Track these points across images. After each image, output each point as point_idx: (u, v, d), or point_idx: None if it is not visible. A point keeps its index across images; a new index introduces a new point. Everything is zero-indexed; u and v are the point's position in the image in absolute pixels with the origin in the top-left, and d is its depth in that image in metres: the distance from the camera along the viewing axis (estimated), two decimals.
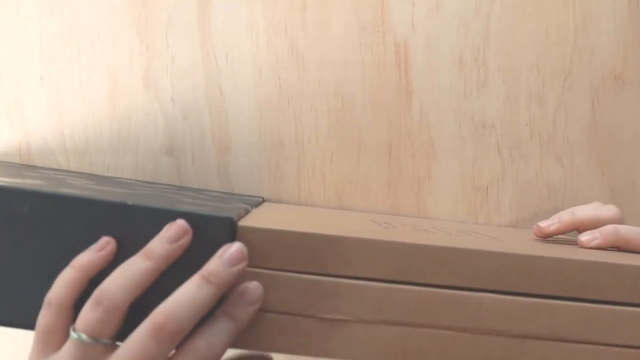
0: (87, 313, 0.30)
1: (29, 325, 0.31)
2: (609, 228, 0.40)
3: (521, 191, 0.50)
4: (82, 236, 0.31)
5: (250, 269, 0.32)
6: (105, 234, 0.31)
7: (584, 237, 0.40)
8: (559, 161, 0.50)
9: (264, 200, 0.49)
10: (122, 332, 0.30)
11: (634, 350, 0.32)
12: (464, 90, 0.49)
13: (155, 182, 0.50)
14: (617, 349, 0.32)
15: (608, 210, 0.42)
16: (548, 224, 0.42)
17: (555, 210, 0.49)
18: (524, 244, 0.39)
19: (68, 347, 0.30)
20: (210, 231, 0.31)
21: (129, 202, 0.31)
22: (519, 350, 0.32)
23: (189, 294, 0.30)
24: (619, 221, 0.41)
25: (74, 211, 0.31)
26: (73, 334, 0.30)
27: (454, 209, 0.50)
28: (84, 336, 0.29)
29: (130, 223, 0.31)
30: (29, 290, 0.31)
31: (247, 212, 0.37)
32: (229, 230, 0.31)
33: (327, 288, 0.32)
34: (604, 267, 0.33)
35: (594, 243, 0.40)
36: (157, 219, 0.31)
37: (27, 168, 0.49)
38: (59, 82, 0.50)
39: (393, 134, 0.50)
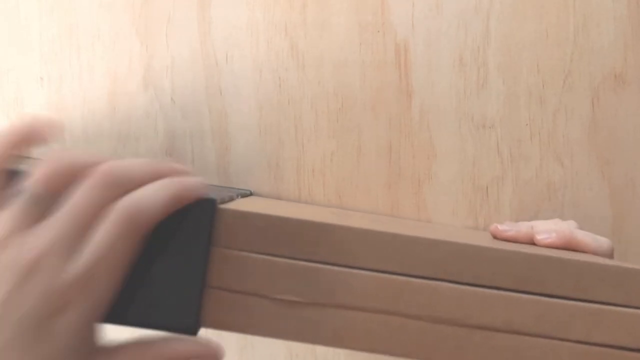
0: (39, 169, 0.29)
1: None
2: (565, 229, 0.42)
3: (521, 191, 0.50)
4: None
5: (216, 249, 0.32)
6: None
7: (540, 235, 0.42)
8: (559, 161, 0.50)
9: (251, 193, 0.49)
10: None
11: (585, 346, 0.32)
12: (464, 90, 0.49)
13: None
14: (568, 344, 0.32)
15: (567, 226, 0.44)
16: (506, 229, 0.43)
17: (555, 210, 0.50)
18: (473, 237, 0.38)
19: (11, 207, 0.28)
20: (193, 212, 0.31)
21: None
22: (469, 341, 0.32)
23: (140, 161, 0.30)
24: (612, 254, 0.43)
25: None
26: (19, 191, 0.28)
27: (454, 209, 0.50)
28: (31, 190, 0.28)
29: None
30: None
31: (231, 199, 0.38)
32: (211, 212, 0.31)
33: (281, 269, 0.32)
34: (548, 261, 0.33)
35: (548, 241, 0.41)
36: None
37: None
38: (59, 82, 0.50)
39: (393, 134, 0.50)
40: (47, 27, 0.50)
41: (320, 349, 0.51)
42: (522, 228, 0.43)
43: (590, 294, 0.32)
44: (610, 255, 0.42)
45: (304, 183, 0.50)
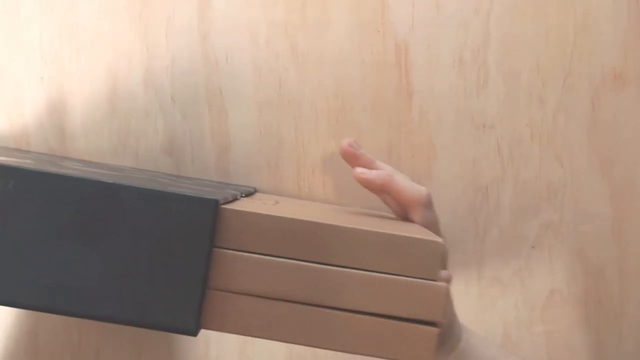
0: None
1: (10, 301, 0.31)
2: (385, 171, 0.42)
3: (521, 191, 0.50)
4: (67, 214, 0.31)
5: None
6: (90, 212, 0.31)
7: (359, 169, 0.41)
8: (559, 161, 0.50)
9: (255, 190, 0.49)
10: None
11: (358, 316, 0.32)
12: (464, 90, 0.49)
13: (149, 170, 0.50)
14: (341, 313, 0.32)
15: (391, 170, 0.43)
16: (356, 147, 0.44)
17: (555, 210, 0.50)
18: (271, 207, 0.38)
19: None
20: (194, 212, 0.31)
21: (112, 182, 0.31)
22: (234, 307, 0.32)
23: None
24: (428, 202, 0.42)
25: (58, 189, 0.31)
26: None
27: (454, 209, 0.50)
28: None
29: (113, 202, 0.31)
30: (12, 267, 0.31)
31: (234, 198, 0.37)
32: (212, 212, 0.31)
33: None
34: (324, 228, 0.32)
35: (365, 176, 0.41)
36: (142, 199, 0.31)
37: (21, 151, 0.49)
38: (59, 82, 0.50)
39: (393, 134, 0.50)
40: (47, 27, 0.50)
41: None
42: (367, 155, 0.44)
43: (366, 262, 0.32)
44: (428, 203, 0.41)
45: (304, 183, 0.50)
